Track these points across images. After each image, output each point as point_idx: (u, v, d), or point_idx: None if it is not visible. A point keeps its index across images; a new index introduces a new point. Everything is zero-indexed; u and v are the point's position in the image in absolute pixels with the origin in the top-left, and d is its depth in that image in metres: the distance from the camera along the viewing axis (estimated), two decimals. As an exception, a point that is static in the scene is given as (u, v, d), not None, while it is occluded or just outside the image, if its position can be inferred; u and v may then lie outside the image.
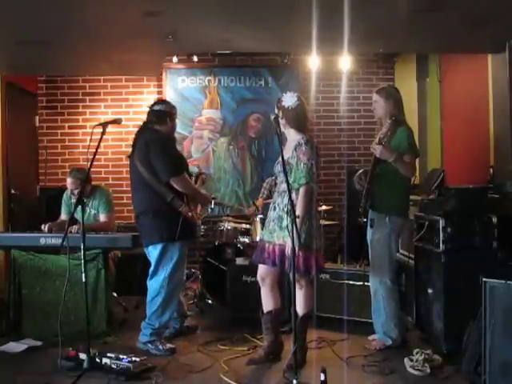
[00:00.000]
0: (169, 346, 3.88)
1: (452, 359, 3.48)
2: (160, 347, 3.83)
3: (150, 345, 3.85)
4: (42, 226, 4.53)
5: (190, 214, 3.82)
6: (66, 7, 3.87)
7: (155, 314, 3.87)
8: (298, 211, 3.42)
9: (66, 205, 4.85)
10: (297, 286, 3.56)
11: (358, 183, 3.99)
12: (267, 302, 3.68)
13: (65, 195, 4.88)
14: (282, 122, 3.57)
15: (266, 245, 3.61)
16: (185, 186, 3.88)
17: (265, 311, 3.69)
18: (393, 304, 3.83)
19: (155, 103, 4.16)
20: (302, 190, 3.47)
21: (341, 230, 6.08)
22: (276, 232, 3.55)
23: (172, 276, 3.86)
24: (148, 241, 3.91)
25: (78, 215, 3.78)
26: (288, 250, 3.36)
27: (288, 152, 3.56)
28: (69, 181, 4.67)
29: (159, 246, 3.85)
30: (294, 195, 3.48)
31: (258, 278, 3.70)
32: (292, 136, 3.64)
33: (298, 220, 3.39)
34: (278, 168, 3.60)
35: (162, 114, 3.99)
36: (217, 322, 4.68)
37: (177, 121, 4.17)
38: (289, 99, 3.62)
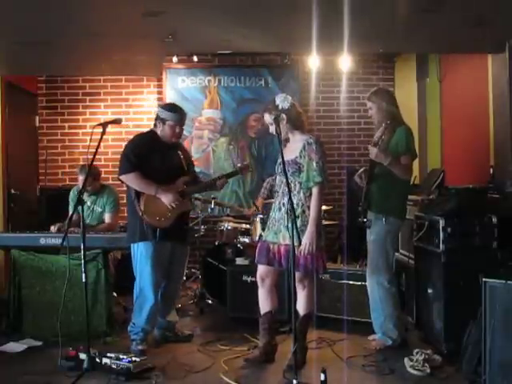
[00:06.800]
0: (140, 348, 3.83)
1: (452, 359, 3.48)
2: (134, 348, 3.82)
3: (133, 342, 3.88)
4: (52, 228, 4.57)
5: (140, 213, 3.81)
6: (66, 7, 3.87)
7: (134, 314, 3.93)
8: (313, 211, 3.46)
9: (73, 202, 4.87)
10: (300, 286, 3.57)
11: (358, 183, 3.99)
12: (265, 303, 3.67)
13: (71, 193, 4.94)
14: (286, 125, 3.55)
15: (271, 245, 3.60)
16: (133, 184, 3.85)
17: (262, 312, 3.68)
18: (391, 305, 3.82)
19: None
20: (316, 189, 3.48)
21: (341, 229, 6.08)
22: (282, 232, 3.54)
23: (139, 278, 3.88)
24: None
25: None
26: (302, 249, 3.43)
27: (294, 152, 3.55)
28: (81, 178, 4.72)
29: (131, 247, 3.94)
30: (302, 195, 3.52)
31: (258, 278, 3.69)
32: (297, 136, 3.62)
33: (312, 218, 3.46)
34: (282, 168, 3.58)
35: (156, 117, 4.00)
36: (217, 322, 4.68)
37: (176, 129, 3.95)
38: (284, 100, 3.57)
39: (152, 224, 3.82)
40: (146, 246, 3.84)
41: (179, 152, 4.06)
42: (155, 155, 3.90)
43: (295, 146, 3.58)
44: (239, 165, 4.24)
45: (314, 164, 3.48)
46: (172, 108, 4.04)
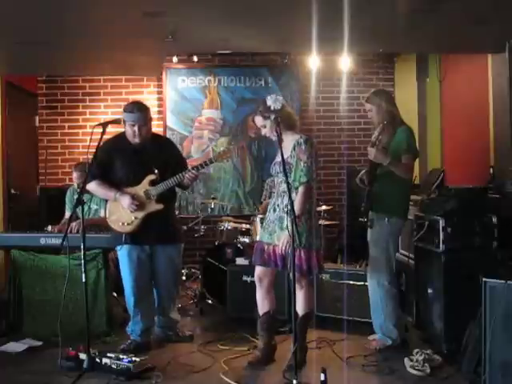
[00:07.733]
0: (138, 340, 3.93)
1: (452, 359, 3.48)
2: (124, 346, 3.87)
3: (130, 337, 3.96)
4: (50, 228, 4.56)
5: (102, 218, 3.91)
6: (66, 7, 3.87)
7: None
8: (297, 209, 3.41)
9: (70, 202, 4.88)
10: (297, 286, 3.55)
11: (358, 184, 3.98)
12: (264, 303, 3.67)
13: (68, 192, 4.94)
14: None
15: (266, 246, 3.59)
16: (95, 193, 3.98)
17: (261, 312, 3.68)
18: (391, 305, 3.82)
19: None
20: (301, 189, 3.46)
21: (341, 229, 6.08)
22: (276, 233, 3.54)
23: (123, 283, 3.96)
24: None
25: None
26: (288, 250, 3.35)
27: (286, 152, 3.54)
28: (75, 175, 4.72)
29: None
30: (294, 194, 3.49)
31: (256, 278, 3.69)
32: (290, 136, 3.61)
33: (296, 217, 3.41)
34: (277, 168, 3.58)
35: None
36: (217, 322, 4.68)
37: (135, 128, 3.77)
38: (275, 101, 3.55)
39: (118, 230, 3.84)
40: (120, 251, 3.91)
41: (149, 151, 3.86)
42: (120, 158, 3.85)
43: (288, 146, 3.57)
44: (219, 150, 4.04)
45: (302, 164, 3.47)
46: (127, 108, 3.85)
